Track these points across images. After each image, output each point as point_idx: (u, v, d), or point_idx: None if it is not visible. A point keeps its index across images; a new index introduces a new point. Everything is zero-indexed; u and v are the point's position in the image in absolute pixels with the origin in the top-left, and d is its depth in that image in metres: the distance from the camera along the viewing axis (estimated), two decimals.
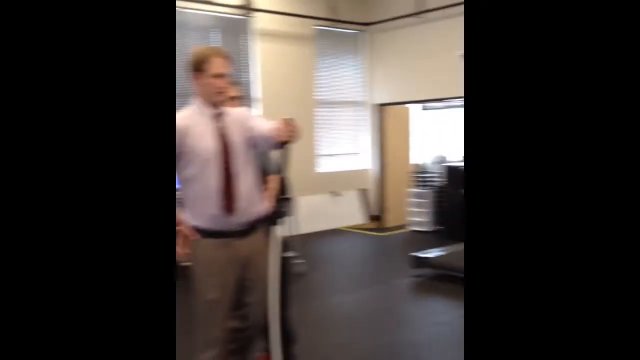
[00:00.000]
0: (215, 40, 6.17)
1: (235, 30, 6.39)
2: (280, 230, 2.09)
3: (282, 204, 2.12)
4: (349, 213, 7.46)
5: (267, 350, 2.83)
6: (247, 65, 6.47)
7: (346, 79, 7.56)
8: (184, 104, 2.20)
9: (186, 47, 5.91)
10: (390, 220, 7.39)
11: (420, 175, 7.11)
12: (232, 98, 2.51)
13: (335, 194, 7.38)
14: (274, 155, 2.73)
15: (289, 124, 2.01)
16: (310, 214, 7.01)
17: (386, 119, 7.46)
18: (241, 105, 2.51)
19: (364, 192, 7.71)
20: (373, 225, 7.39)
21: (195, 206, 2.15)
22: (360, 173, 7.73)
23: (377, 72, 7.60)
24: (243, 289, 2.24)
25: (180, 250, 2.23)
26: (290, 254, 4.93)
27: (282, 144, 2.03)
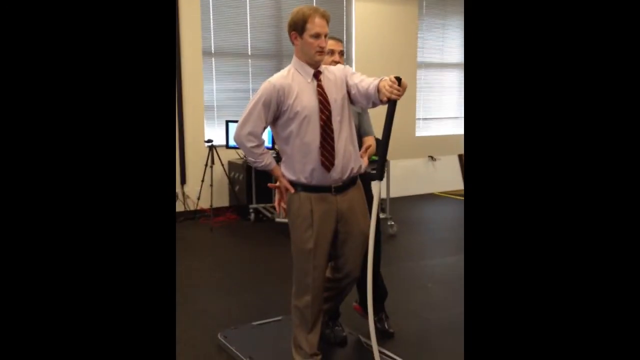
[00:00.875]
0: (313, 0, 6.21)
1: None
2: (375, 190, 2.13)
3: (378, 164, 2.16)
4: (446, 178, 7.34)
5: (359, 302, 2.95)
6: (344, 25, 6.47)
7: (450, 40, 7.31)
8: (284, 64, 2.28)
9: (285, 7, 6.03)
10: None
11: None
12: (333, 55, 2.56)
13: (433, 158, 7.27)
14: (371, 117, 2.77)
15: (396, 81, 2.02)
16: (406, 176, 6.99)
17: None
18: (341, 63, 2.55)
19: (463, 158, 7.52)
20: None
21: (294, 162, 2.25)
22: (461, 138, 7.53)
23: None
24: (337, 242, 2.35)
25: (278, 204, 2.37)
26: (382, 215, 5.01)
27: (388, 101, 2.03)
